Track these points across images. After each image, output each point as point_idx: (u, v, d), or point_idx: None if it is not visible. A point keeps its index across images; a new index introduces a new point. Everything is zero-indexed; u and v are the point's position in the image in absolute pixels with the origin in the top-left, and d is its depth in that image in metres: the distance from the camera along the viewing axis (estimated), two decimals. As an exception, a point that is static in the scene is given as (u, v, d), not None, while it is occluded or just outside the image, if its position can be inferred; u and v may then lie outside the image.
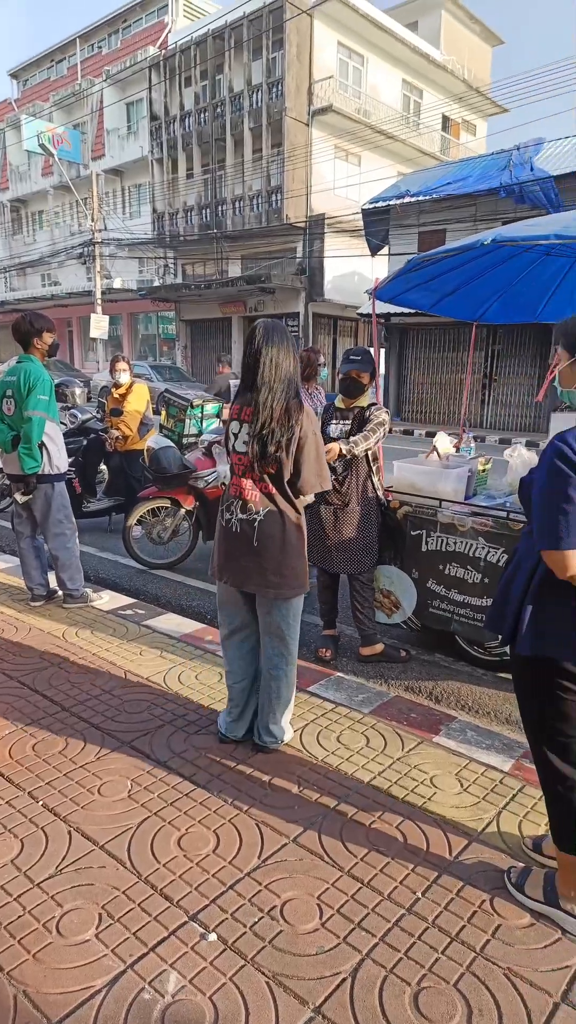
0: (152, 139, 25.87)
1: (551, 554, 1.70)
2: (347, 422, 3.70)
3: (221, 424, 6.18)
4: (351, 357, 3.70)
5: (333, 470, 3.63)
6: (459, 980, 1.75)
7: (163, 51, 25.26)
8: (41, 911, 1.96)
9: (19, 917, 1.94)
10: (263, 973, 1.77)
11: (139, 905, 1.99)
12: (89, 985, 1.73)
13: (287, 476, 2.61)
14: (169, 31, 26.31)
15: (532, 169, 14.22)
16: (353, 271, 22.21)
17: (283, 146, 21.46)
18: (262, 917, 1.95)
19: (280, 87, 21.28)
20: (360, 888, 2.06)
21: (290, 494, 2.65)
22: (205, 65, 23.42)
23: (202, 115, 23.93)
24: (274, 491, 2.62)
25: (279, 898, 2.01)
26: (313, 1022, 1.64)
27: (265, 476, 2.60)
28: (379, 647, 3.90)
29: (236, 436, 2.65)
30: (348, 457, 3.61)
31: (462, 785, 2.58)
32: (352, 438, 3.61)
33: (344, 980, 1.75)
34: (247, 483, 2.63)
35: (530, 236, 3.19)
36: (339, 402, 3.78)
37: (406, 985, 1.73)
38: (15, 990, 1.71)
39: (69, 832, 2.28)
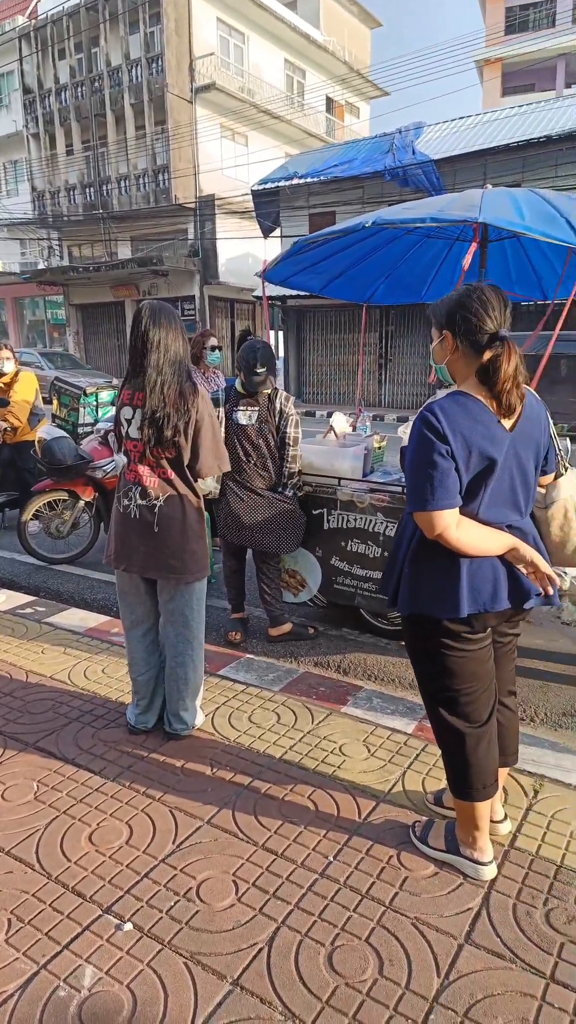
0: (26, 113, 24.50)
1: (420, 515, 1.79)
2: (254, 409, 3.69)
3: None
4: (256, 371, 3.60)
5: (249, 456, 3.69)
6: (371, 935, 1.84)
7: (33, 21, 23.90)
8: (-55, 926, 1.88)
9: None
10: (180, 954, 1.78)
11: (50, 905, 1.95)
12: (1, 991, 1.68)
13: (186, 460, 2.59)
14: (38, 1, 24.90)
15: (414, 153, 14.62)
16: (247, 253, 22.07)
17: (167, 124, 20.91)
18: (178, 900, 1.96)
19: (160, 63, 20.67)
20: (274, 860, 2.11)
21: (189, 478, 2.63)
22: (79, 37, 22.37)
23: (79, 89, 22.89)
24: (173, 476, 2.60)
25: (195, 880, 2.03)
26: (232, 995, 1.67)
27: (163, 461, 2.58)
28: (287, 627, 3.96)
29: (129, 422, 2.61)
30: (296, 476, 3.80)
31: (369, 750, 2.68)
32: (284, 479, 3.76)
33: (261, 950, 1.79)
34: (144, 469, 2.59)
35: (408, 219, 3.29)
36: (240, 387, 3.76)
37: (320, 946, 1.80)
38: None
39: (-28, 841, 2.19)
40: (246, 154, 22.90)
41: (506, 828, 2.20)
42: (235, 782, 2.49)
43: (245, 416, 3.69)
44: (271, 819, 2.29)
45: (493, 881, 2.01)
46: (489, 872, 2.02)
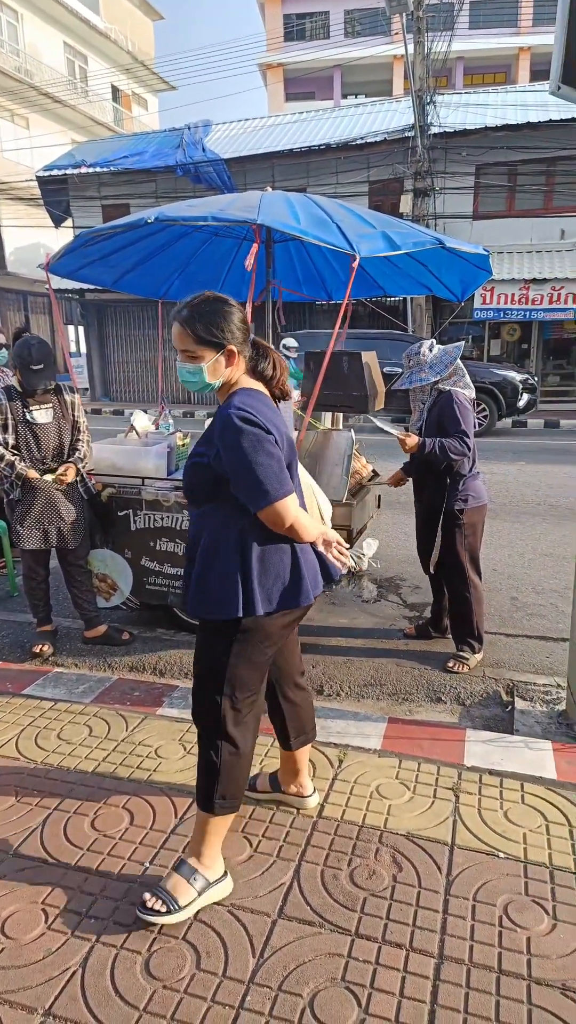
0: None
1: (267, 511, 1.76)
2: (48, 406, 3.59)
3: None
4: (33, 368, 3.45)
5: (47, 453, 3.59)
6: (187, 932, 1.85)
7: None
8: None
9: None
10: (-14, 1000, 1.67)
11: None
12: None
13: None
14: None
15: (204, 150, 14.71)
16: (38, 243, 20.81)
17: None
18: (-18, 944, 1.82)
19: None
20: (88, 878, 2.04)
21: None
22: None
23: None
24: None
25: (0, 916, 1.90)
26: (45, 1027, 1.60)
27: None
28: (103, 628, 3.86)
29: None
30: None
31: (186, 748, 2.69)
32: (78, 453, 3.67)
33: (75, 973, 1.73)
34: None
35: (190, 216, 3.31)
36: (19, 385, 3.56)
37: (136, 955, 1.77)
38: None
39: None
40: (28, 137, 21.54)
41: (314, 802, 2.33)
42: (42, 805, 2.37)
43: (43, 414, 3.55)
44: (83, 836, 2.21)
45: (303, 852, 2.12)
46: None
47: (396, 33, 19.47)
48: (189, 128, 15.13)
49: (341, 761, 2.59)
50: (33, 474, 3.51)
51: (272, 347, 1.94)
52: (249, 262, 3.28)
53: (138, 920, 1.86)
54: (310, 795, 2.32)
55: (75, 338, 20.75)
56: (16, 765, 2.61)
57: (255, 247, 3.37)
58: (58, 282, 4.30)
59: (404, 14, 13.18)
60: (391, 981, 1.69)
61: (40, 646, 3.75)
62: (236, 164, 15.02)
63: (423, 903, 1.92)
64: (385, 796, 2.38)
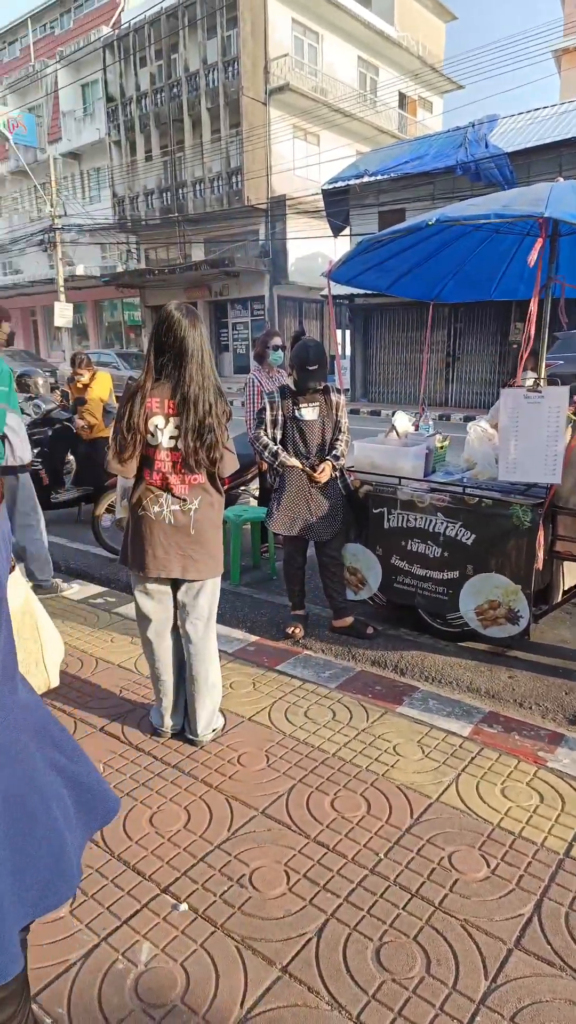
0: (109, 121, 25.37)
1: None
2: (315, 404, 3.82)
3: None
4: (309, 368, 3.69)
5: (310, 449, 3.82)
6: (419, 933, 1.85)
7: (116, 30, 24.68)
8: (15, 893, 2.01)
9: (-6, 900, 1.98)
10: (232, 938, 1.85)
11: (112, 881, 2.05)
12: (64, 959, 1.79)
13: (216, 465, 2.62)
14: (122, 10, 25.70)
15: (487, 146, 14.28)
16: (317, 252, 22.11)
17: (241, 126, 21.19)
18: (231, 886, 2.02)
19: (236, 66, 20.98)
20: (326, 853, 2.14)
21: (216, 481, 2.68)
22: (159, 44, 22.97)
23: (159, 96, 23.51)
24: (205, 481, 2.63)
25: (248, 867, 2.09)
26: (280, 981, 1.72)
27: (199, 468, 2.57)
28: (350, 619, 4.01)
29: (161, 431, 2.53)
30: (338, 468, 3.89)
31: (424, 751, 2.68)
32: (336, 452, 3.85)
33: (310, 940, 1.83)
34: (175, 478, 2.57)
35: (472, 216, 3.25)
36: (292, 384, 3.85)
37: (368, 941, 1.82)
38: (-8, 968, 1.76)
39: (42, 817, 2.32)
40: (317, 153, 22.95)
41: None
42: (289, 775, 2.54)
43: (310, 412, 3.80)
44: (323, 813, 2.33)
45: (546, 888, 1.98)
46: None
47: None
48: (473, 125, 14.81)
49: (596, 802, 2.36)
50: (293, 462, 3.77)
51: None
52: (532, 258, 3.11)
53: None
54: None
55: (342, 341, 21.68)
56: (268, 732, 2.83)
57: (539, 242, 3.19)
58: (332, 289, 4.52)
59: None
60: None
61: (293, 628, 4.01)
62: (519, 157, 14.31)
63: None
64: None
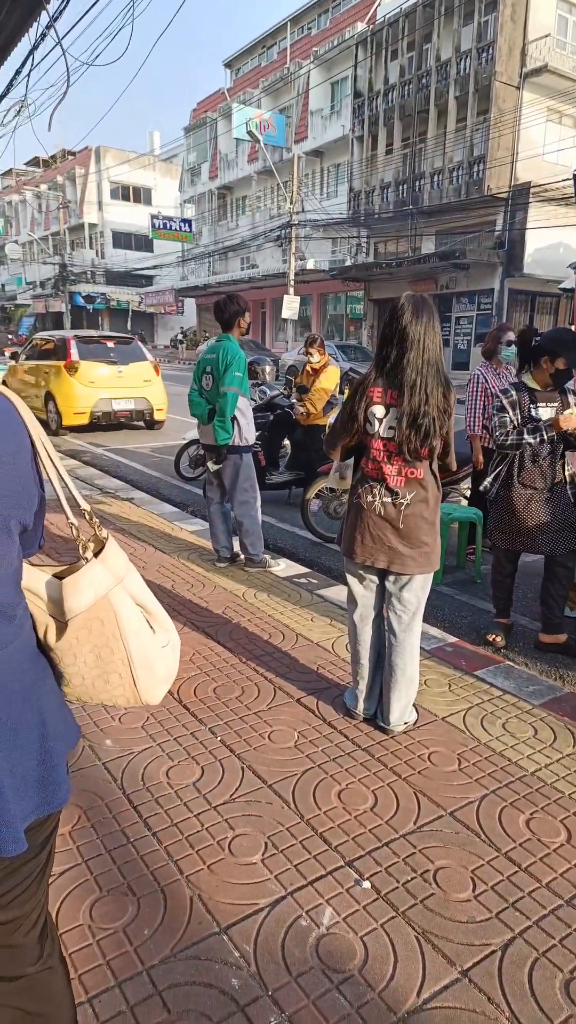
0: (354, 117, 25.88)
1: None
2: (554, 404, 3.59)
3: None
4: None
5: (541, 454, 3.55)
6: (617, 981, 1.70)
7: (371, 26, 25.04)
8: (216, 830, 2.20)
9: (197, 832, 2.19)
10: (413, 927, 1.85)
11: (300, 842, 2.15)
12: (254, 902, 1.92)
13: (436, 458, 2.61)
14: (378, 5, 26.00)
15: None
16: (559, 242, 20.69)
17: (489, 113, 20.45)
18: (414, 877, 2.02)
19: (491, 51, 20.25)
20: (516, 871, 2.05)
21: (434, 473, 2.65)
22: (413, 36, 22.90)
23: (406, 88, 23.50)
24: (421, 474, 2.60)
25: (432, 863, 2.07)
26: (459, 983, 1.69)
27: (416, 461, 2.56)
28: (562, 637, 3.74)
29: (379, 421, 2.57)
30: None
31: None
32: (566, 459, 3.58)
33: (494, 952, 1.77)
34: (391, 468, 2.59)
35: None
36: (532, 382, 3.63)
37: (558, 970, 1.72)
38: (192, 892, 1.95)
39: (242, 768, 2.51)
40: (572, 136, 21.39)
41: None
42: (481, 783, 2.46)
43: (547, 412, 3.56)
44: (517, 831, 2.22)
45: None
46: None
47: None
48: None
49: None
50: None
51: None
52: None
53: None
54: None
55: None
56: (462, 736, 2.77)
57: None
58: (569, 282, 4.19)
59: None
60: None
61: (494, 636, 3.84)
62: None
63: None
64: None
